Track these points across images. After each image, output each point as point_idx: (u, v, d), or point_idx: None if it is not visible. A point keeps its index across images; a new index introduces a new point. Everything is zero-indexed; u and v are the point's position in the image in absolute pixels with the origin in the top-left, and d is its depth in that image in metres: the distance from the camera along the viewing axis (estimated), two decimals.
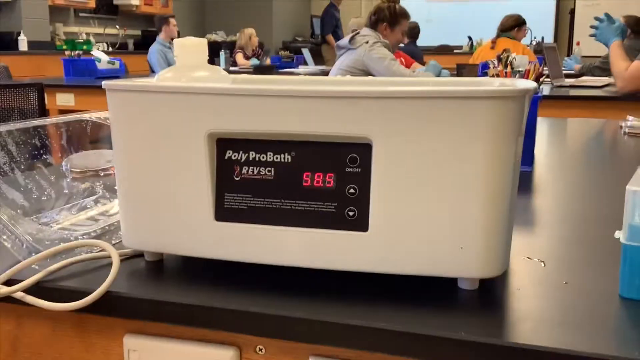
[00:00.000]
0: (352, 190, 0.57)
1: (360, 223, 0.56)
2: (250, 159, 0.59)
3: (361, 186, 0.56)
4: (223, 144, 0.59)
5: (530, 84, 0.58)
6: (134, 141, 0.61)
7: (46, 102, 3.64)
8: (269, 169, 0.58)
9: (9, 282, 0.59)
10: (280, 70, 6.03)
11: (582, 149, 1.49)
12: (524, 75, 1.25)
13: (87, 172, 1.10)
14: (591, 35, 2.90)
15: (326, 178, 0.57)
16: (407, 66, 3.86)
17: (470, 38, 8.27)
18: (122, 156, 0.62)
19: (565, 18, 8.13)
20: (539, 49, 5.37)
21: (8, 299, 0.59)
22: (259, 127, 0.57)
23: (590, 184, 1.05)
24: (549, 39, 8.25)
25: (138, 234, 0.63)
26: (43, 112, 2.57)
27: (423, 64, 4.94)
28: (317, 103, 0.55)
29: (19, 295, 0.58)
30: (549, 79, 3.38)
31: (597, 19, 2.86)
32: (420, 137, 0.54)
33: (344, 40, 3.11)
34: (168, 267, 0.64)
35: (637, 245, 0.54)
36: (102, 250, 0.63)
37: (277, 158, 0.58)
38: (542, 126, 1.83)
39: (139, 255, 0.66)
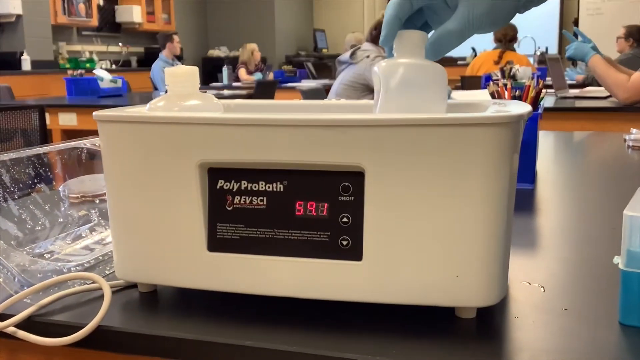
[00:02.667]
0: (345, 219, 0.56)
1: (354, 252, 0.56)
2: (242, 188, 0.58)
3: (354, 215, 0.55)
4: (215, 173, 0.59)
5: (524, 108, 0.58)
6: (126, 171, 0.61)
7: (49, 122, 3.66)
8: (261, 198, 0.58)
9: (0, 317, 0.59)
10: (282, 85, 6.05)
11: (585, 164, 1.48)
12: (524, 90, 1.24)
13: (84, 197, 1.10)
14: (568, 57, 2.92)
15: (319, 207, 0.56)
16: None
17: (473, 49, 8.28)
18: (114, 186, 0.62)
19: (569, 28, 8.14)
20: (543, 60, 5.38)
21: (0, 334, 0.58)
22: (251, 157, 0.57)
23: (593, 202, 1.04)
24: (553, 49, 8.25)
25: (130, 266, 0.62)
26: (45, 133, 2.58)
27: None
28: (308, 131, 0.55)
29: (11, 330, 0.58)
30: (552, 90, 3.37)
31: (569, 35, 2.87)
32: (413, 164, 0.53)
33: (345, 56, 3.12)
34: (162, 298, 0.64)
35: (636, 271, 0.53)
36: (95, 282, 0.62)
37: (269, 187, 0.58)
38: (546, 140, 1.82)
39: (132, 285, 0.65)
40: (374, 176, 0.54)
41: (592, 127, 2.72)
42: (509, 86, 1.25)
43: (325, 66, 7.56)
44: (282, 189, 0.57)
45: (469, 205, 0.53)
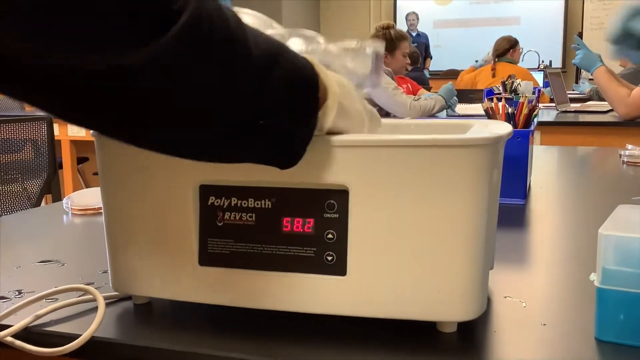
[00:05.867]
0: (330, 236, 0.58)
1: (338, 267, 0.58)
2: (232, 205, 0.60)
3: (339, 231, 0.58)
4: (206, 190, 0.61)
5: (503, 130, 0.60)
6: (121, 188, 0.63)
7: (57, 133, 3.70)
8: (250, 214, 0.60)
9: None
10: None
11: (579, 179, 1.49)
12: (518, 107, 1.26)
13: (87, 210, 1.13)
14: (574, 63, 2.92)
15: (305, 223, 0.59)
16: (414, 92, 3.89)
17: (477, 61, 8.30)
18: (109, 203, 0.64)
19: (573, 41, 8.15)
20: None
21: None
22: (240, 176, 0.59)
23: (582, 218, 1.06)
24: (557, 62, 8.27)
25: (125, 279, 0.65)
26: (53, 144, 2.61)
27: (429, 89, 4.96)
28: None
29: (9, 340, 0.60)
30: (553, 104, 3.39)
31: (576, 46, 2.88)
32: (394, 183, 0.55)
33: None
34: (155, 310, 0.66)
35: (611, 288, 0.55)
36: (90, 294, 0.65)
37: (257, 204, 0.60)
38: (542, 155, 1.84)
39: (128, 297, 0.68)
40: (357, 194, 0.56)
41: (592, 141, 2.74)
42: (502, 103, 1.27)
43: None
44: (270, 206, 0.59)
45: (448, 223, 0.55)
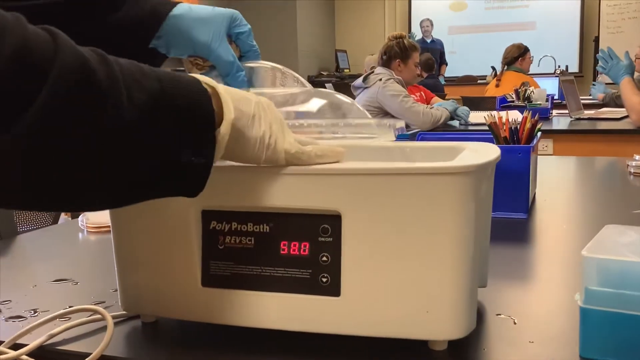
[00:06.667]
0: (324, 258, 0.61)
1: (332, 288, 0.61)
2: (233, 229, 0.64)
3: (333, 254, 0.61)
4: (208, 215, 0.64)
5: (491, 155, 0.63)
6: (129, 214, 0.67)
7: None
8: (250, 238, 0.63)
9: (15, 346, 0.65)
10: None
11: (584, 191, 1.51)
12: (521, 122, 1.28)
13: (102, 227, 1.17)
14: (600, 71, 2.92)
15: (301, 247, 0.62)
16: (428, 99, 3.92)
17: (493, 68, 8.28)
18: (118, 227, 0.68)
19: (589, 45, 8.12)
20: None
21: None
22: (241, 202, 0.63)
23: (582, 233, 1.07)
24: (574, 66, 8.23)
25: (133, 299, 0.68)
26: None
27: (444, 95, 4.98)
28: (291, 179, 0.60)
29: (24, 358, 0.63)
30: (566, 112, 3.39)
31: (602, 56, 2.87)
32: (384, 209, 0.58)
33: (358, 81, 3.18)
34: (162, 329, 0.69)
35: (593, 308, 0.57)
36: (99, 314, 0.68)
37: (256, 228, 0.63)
38: (550, 166, 1.85)
39: (136, 315, 0.71)
40: (350, 219, 0.59)
41: (605, 149, 2.74)
42: (506, 118, 1.29)
43: (347, 86, 7.61)
44: (268, 230, 0.63)
45: (436, 246, 0.58)
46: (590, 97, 4.46)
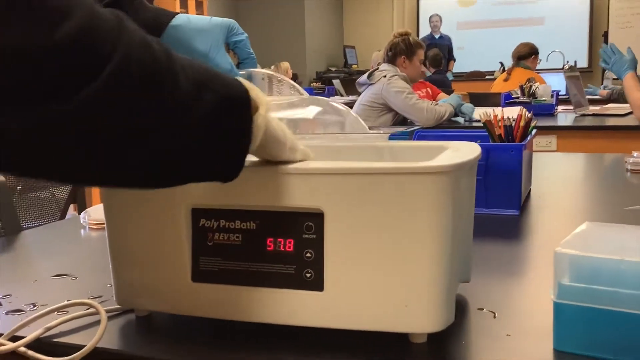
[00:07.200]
0: (308, 254, 0.63)
1: (316, 283, 0.63)
2: (221, 226, 0.66)
3: (316, 251, 0.63)
4: (197, 213, 0.67)
5: (470, 155, 0.65)
6: (122, 211, 0.69)
7: None
8: (237, 235, 0.66)
9: (14, 338, 0.68)
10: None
11: (581, 188, 1.52)
12: (517, 120, 1.30)
13: (103, 224, 1.20)
14: (604, 67, 2.91)
15: (286, 243, 0.64)
16: (434, 96, 3.93)
17: (502, 64, 8.28)
18: (112, 225, 0.71)
19: (599, 41, 8.08)
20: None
21: (13, 353, 0.67)
22: (228, 200, 0.65)
23: (574, 229, 1.09)
24: (583, 62, 8.20)
25: (126, 294, 0.71)
26: None
27: (451, 91, 4.98)
28: (276, 178, 0.63)
29: (22, 350, 0.66)
30: (572, 108, 3.39)
31: (605, 51, 2.87)
32: (363, 207, 0.60)
33: (363, 77, 3.20)
34: (155, 322, 0.72)
35: (566, 303, 0.60)
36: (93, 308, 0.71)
37: (243, 225, 0.66)
38: (550, 162, 1.86)
39: (130, 310, 0.74)
40: (331, 217, 0.62)
41: (609, 146, 2.74)
42: (501, 116, 1.31)
43: (355, 82, 7.63)
44: (254, 227, 0.65)
45: (414, 243, 0.60)
46: (590, 95, 4.43)
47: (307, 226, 0.63)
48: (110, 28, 0.45)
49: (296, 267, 0.64)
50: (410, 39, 3.24)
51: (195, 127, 0.52)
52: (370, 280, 0.61)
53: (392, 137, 1.53)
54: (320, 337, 0.65)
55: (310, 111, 0.79)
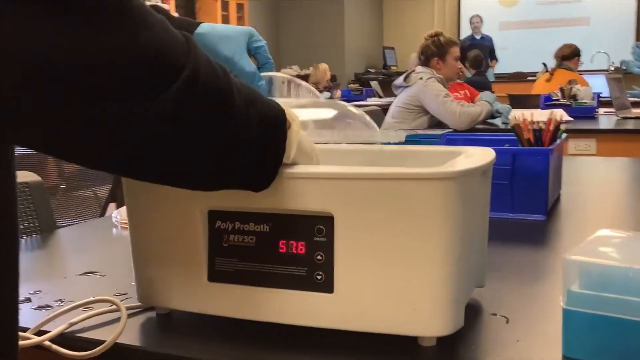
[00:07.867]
0: (319, 257, 0.65)
1: (326, 285, 0.64)
2: (236, 228, 0.68)
3: (327, 253, 0.64)
4: (214, 215, 0.69)
5: (482, 160, 0.65)
6: (144, 211, 0.72)
7: None
8: (251, 237, 0.68)
9: (39, 333, 0.71)
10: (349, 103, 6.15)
11: (614, 194, 1.49)
12: (547, 124, 1.29)
13: None
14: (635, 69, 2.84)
15: (298, 246, 0.66)
16: (472, 98, 3.88)
17: (545, 64, 8.13)
18: (134, 225, 0.73)
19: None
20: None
21: (38, 347, 0.70)
22: (243, 203, 0.67)
23: None
24: None
25: (147, 292, 0.73)
26: None
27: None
28: (288, 182, 0.64)
29: (47, 344, 0.69)
30: (613, 111, 3.32)
31: (637, 51, 2.79)
32: (373, 211, 0.61)
33: (399, 80, 3.19)
34: (175, 320, 0.74)
35: (575, 309, 0.59)
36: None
37: (257, 228, 0.67)
38: (585, 167, 1.84)
39: (151, 307, 0.76)
40: (341, 221, 0.63)
41: None
42: (530, 119, 1.30)
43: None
44: (268, 230, 0.67)
45: (422, 247, 0.61)
46: (631, 97, 4.32)
47: (318, 229, 0.65)
48: (181, 42, 0.51)
49: (307, 269, 0.65)
50: (441, 38, 3.19)
51: (244, 141, 0.57)
52: (379, 283, 0.62)
53: (422, 139, 1.53)
54: (330, 337, 0.66)
55: (326, 114, 0.80)
